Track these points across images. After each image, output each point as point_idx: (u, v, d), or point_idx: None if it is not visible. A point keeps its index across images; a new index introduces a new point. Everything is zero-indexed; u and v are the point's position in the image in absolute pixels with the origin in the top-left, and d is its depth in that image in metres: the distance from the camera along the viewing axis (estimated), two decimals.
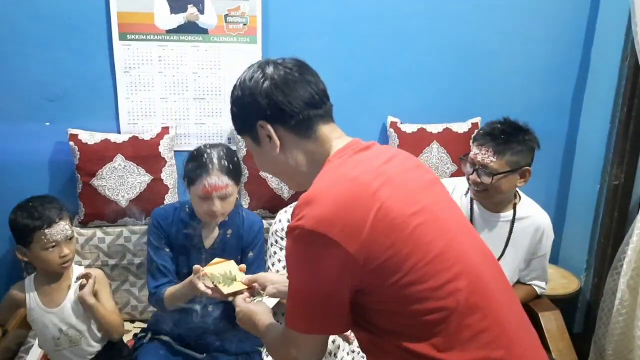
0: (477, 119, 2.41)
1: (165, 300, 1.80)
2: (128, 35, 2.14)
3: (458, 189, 2.01)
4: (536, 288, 2.05)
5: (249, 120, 1.10)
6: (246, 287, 1.52)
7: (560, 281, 2.45)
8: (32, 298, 1.77)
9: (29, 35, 2.07)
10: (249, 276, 1.54)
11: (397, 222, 0.96)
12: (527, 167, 1.80)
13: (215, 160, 1.76)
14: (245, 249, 1.96)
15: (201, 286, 1.59)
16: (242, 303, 1.37)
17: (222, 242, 1.92)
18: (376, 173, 1.01)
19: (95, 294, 1.79)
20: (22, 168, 2.18)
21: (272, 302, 1.46)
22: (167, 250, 1.88)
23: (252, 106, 1.08)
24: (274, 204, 2.27)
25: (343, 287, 0.97)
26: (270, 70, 1.09)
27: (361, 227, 0.93)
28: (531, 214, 1.94)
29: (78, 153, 2.10)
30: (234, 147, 2.28)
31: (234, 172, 1.79)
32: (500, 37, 2.44)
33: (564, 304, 2.22)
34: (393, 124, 2.37)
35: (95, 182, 2.12)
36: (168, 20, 2.15)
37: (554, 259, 2.72)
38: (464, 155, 1.90)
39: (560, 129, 2.62)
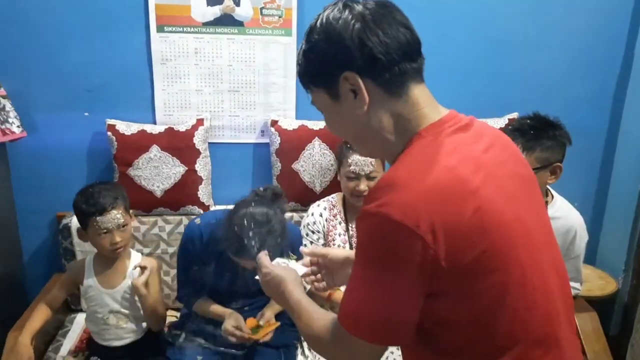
0: (514, 115, 2.36)
1: (194, 310, 1.90)
2: (165, 28, 2.17)
3: None
4: (570, 289, 2.00)
5: (332, 70, 0.89)
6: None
7: (597, 282, 2.40)
8: (90, 276, 1.82)
9: (71, 27, 2.11)
10: (315, 250, 1.31)
11: (493, 229, 0.82)
12: (558, 164, 1.74)
13: (252, 245, 1.53)
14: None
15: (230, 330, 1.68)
16: (270, 265, 1.17)
17: None
18: (476, 165, 0.85)
19: (146, 284, 1.82)
20: (62, 157, 2.24)
21: (301, 269, 1.26)
22: (195, 268, 1.86)
23: (339, 53, 0.87)
24: (306, 198, 2.28)
25: (419, 291, 0.83)
26: (360, 9, 0.88)
27: (455, 227, 0.79)
28: (564, 215, 1.88)
29: (115, 143, 2.14)
30: (267, 140, 2.29)
31: (274, 245, 1.57)
32: (539, 29, 2.38)
33: (601, 305, 2.17)
34: None
35: (131, 172, 2.16)
36: (205, 12, 2.17)
37: (591, 260, 2.65)
38: None
39: (600, 126, 2.54)
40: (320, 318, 0.97)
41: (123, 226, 1.75)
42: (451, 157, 0.84)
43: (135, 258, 1.87)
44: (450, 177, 0.82)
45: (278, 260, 1.31)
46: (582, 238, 1.91)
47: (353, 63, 0.87)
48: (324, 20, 0.90)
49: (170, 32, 2.18)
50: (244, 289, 1.88)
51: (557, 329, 0.89)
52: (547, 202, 1.88)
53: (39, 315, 1.79)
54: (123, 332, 1.83)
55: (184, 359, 1.78)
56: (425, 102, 0.91)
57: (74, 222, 2.14)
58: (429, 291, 0.83)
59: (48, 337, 2.03)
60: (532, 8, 2.35)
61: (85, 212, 1.71)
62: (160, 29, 2.17)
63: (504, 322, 0.84)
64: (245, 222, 1.54)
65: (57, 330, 2.10)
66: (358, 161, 1.93)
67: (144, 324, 1.87)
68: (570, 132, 2.47)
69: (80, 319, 2.15)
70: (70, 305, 2.22)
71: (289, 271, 1.14)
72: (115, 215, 1.72)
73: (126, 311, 1.82)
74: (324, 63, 0.91)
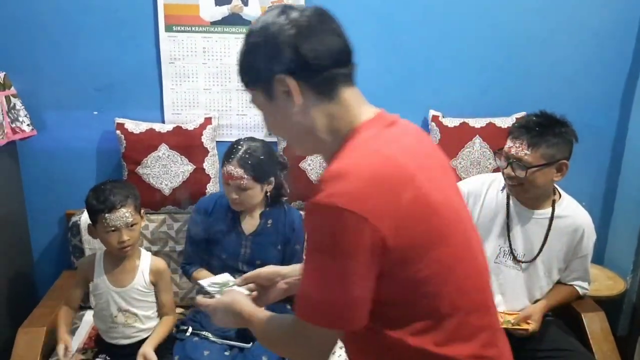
0: (522, 114, 2.35)
1: (192, 279, 2.04)
2: (174, 27, 2.18)
3: (495, 184, 1.95)
4: (578, 289, 1.99)
5: (267, 72, 0.94)
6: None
7: (605, 282, 2.38)
8: (100, 273, 1.83)
9: (80, 26, 2.13)
10: (246, 275, 1.32)
11: (430, 211, 0.90)
12: (564, 161, 1.74)
13: (239, 153, 1.87)
14: (285, 241, 2.03)
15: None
16: (205, 300, 1.20)
17: (262, 230, 2.01)
18: (410, 154, 0.94)
19: (155, 284, 1.86)
20: (71, 155, 2.26)
21: (244, 292, 1.27)
22: (199, 238, 2.02)
23: (274, 56, 0.92)
24: (311, 196, 2.28)
25: (372, 274, 0.88)
26: (295, 15, 0.93)
27: (397, 210, 0.85)
28: (571, 214, 1.87)
29: (124, 142, 2.15)
30: (274, 139, 2.30)
31: (253, 168, 1.86)
32: (549, 27, 2.36)
33: (609, 305, 2.16)
34: (435, 118, 2.34)
35: (140, 170, 2.18)
36: (213, 12, 2.18)
37: (599, 259, 2.64)
38: (498, 149, 1.86)
39: (609, 125, 2.53)
40: (276, 320, 1.03)
41: (132, 225, 1.76)
42: (389, 147, 0.92)
43: (145, 257, 1.88)
44: (390, 165, 0.89)
45: (224, 275, 1.43)
46: (590, 237, 1.90)
47: (286, 66, 0.92)
48: (262, 24, 0.95)
49: (179, 31, 2.19)
50: (248, 264, 1.97)
51: (488, 297, 1.02)
52: (554, 201, 1.87)
53: (64, 319, 1.82)
54: (131, 331, 1.84)
55: (191, 354, 1.79)
56: (357, 103, 0.99)
57: (83, 219, 2.17)
58: (379, 272, 0.89)
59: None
60: (542, 6, 2.34)
61: (95, 208, 1.73)
62: (168, 28, 2.18)
63: (447, 292, 0.93)
64: (240, 139, 1.95)
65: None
66: None
67: (153, 323, 1.88)
68: (578, 130, 2.45)
69: (89, 316, 2.16)
70: (80, 302, 2.23)
71: (229, 294, 1.19)
72: (124, 214, 1.73)
73: (135, 310, 1.83)
74: (259, 64, 0.95)
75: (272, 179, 1.97)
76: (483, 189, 1.95)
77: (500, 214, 1.90)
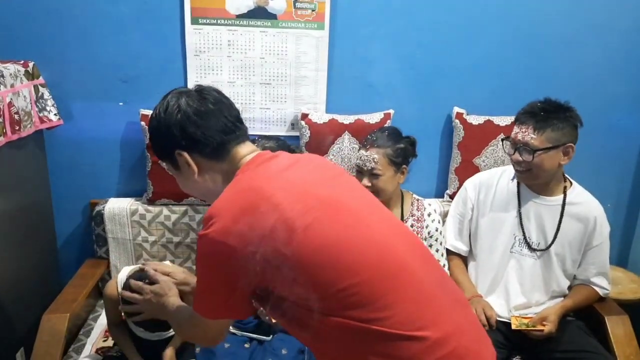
0: None
1: None
2: (200, 20, 2.19)
3: (506, 174, 2.00)
4: (598, 289, 1.97)
5: (167, 148, 1.16)
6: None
7: (629, 285, 2.35)
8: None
9: (107, 18, 2.15)
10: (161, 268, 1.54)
11: (293, 222, 1.01)
12: (570, 144, 1.79)
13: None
14: None
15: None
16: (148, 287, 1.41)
17: None
18: (274, 179, 1.09)
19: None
20: (96, 146, 2.28)
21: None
22: None
23: (168, 137, 1.14)
24: None
25: (243, 283, 1.05)
26: (183, 102, 1.14)
27: (260, 233, 1.00)
28: (583, 201, 1.91)
29: (148, 133, 2.17)
30: (297, 133, 2.30)
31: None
32: (576, 27, 2.33)
33: (633, 309, 2.12)
34: (459, 115, 2.32)
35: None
36: (239, 5, 2.18)
37: (623, 263, 2.60)
38: (505, 137, 1.89)
39: (636, 126, 2.48)
40: (186, 311, 1.27)
41: None
42: (252, 180, 1.09)
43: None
44: (249, 194, 1.05)
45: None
46: (603, 226, 1.92)
47: (179, 144, 1.14)
48: (158, 110, 1.17)
49: (205, 24, 2.20)
50: None
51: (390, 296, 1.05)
52: (565, 188, 1.90)
53: (121, 337, 1.81)
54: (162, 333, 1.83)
55: (212, 347, 1.80)
56: (244, 153, 1.17)
57: (107, 209, 2.20)
58: (259, 285, 1.06)
59: (80, 322, 2.08)
60: (570, 6, 2.31)
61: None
62: (194, 21, 2.19)
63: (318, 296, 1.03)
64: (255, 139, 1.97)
65: (88, 314, 2.16)
66: (362, 156, 1.96)
67: None
68: (604, 132, 2.44)
69: (102, 319, 2.17)
70: (102, 290, 2.27)
71: (166, 284, 1.41)
72: None
73: None
74: (160, 143, 1.19)
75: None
76: (494, 179, 2.01)
77: (512, 203, 1.94)
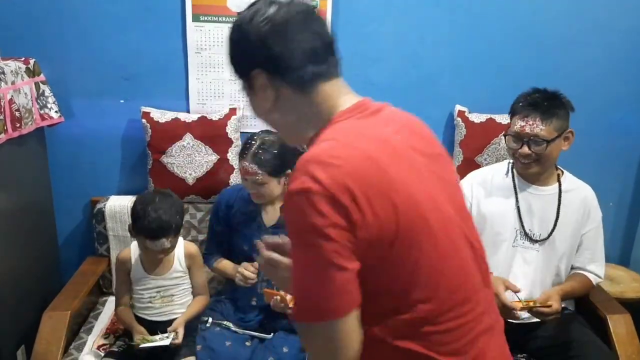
0: None
1: (213, 270, 2.06)
2: (201, 17, 2.18)
3: (499, 172, 1.99)
4: (591, 276, 1.95)
5: (245, 66, 0.98)
6: None
7: (630, 284, 2.34)
8: (136, 264, 1.88)
9: (109, 15, 2.15)
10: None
11: (403, 204, 0.87)
12: (570, 129, 1.84)
13: (253, 149, 1.85)
14: None
15: (242, 271, 1.86)
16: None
17: (282, 222, 1.99)
18: (386, 146, 0.92)
19: (190, 268, 1.93)
20: (98, 143, 2.28)
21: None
22: (220, 229, 2.03)
23: (249, 52, 0.96)
24: None
25: (349, 255, 0.86)
26: (272, 11, 0.94)
27: (370, 202, 0.84)
28: (576, 186, 1.94)
29: (150, 130, 2.17)
30: None
31: (267, 164, 1.84)
32: (578, 26, 2.32)
33: (635, 307, 2.11)
34: (461, 113, 2.32)
35: (164, 159, 2.19)
36: (240, 2, 2.17)
37: (625, 261, 2.60)
38: (507, 132, 1.89)
39: (639, 125, 2.47)
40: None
41: (168, 248, 1.80)
42: (362, 139, 0.90)
43: (179, 244, 1.91)
44: (362, 157, 0.87)
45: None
46: (597, 209, 1.95)
47: (261, 62, 0.95)
48: (242, 19, 0.97)
49: (206, 21, 2.20)
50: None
51: (471, 288, 0.98)
52: (558, 176, 1.93)
53: (127, 317, 1.86)
54: (167, 310, 1.89)
55: (213, 345, 1.80)
56: (337, 94, 0.98)
57: (108, 206, 2.19)
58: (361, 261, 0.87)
59: (80, 319, 2.08)
60: (572, 4, 2.30)
61: (138, 226, 1.77)
62: (195, 18, 2.19)
63: (419, 287, 0.91)
64: (255, 133, 1.93)
65: (89, 312, 2.15)
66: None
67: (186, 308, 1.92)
68: (607, 130, 2.44)
69: (111, 301, 2.19)
70: (102, 288, 2.27)
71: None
72: (164, 243, 1.76)
73: (173, 296, 1.89)
74: (238, 59, 1.00)
75: (289, 171, 1.95)
76: (488, 178, 2.00)
77: (509, 198, 1.94)
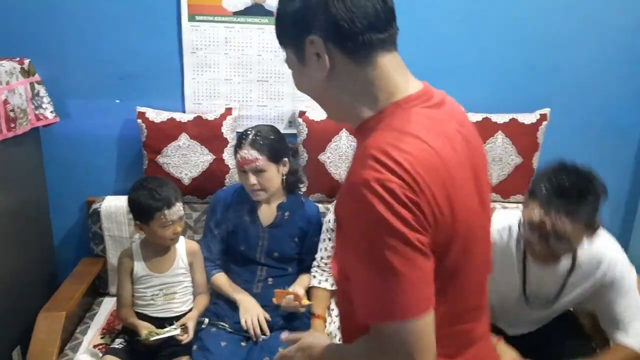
0: (546, 110, 2.31)
1: (211, 283, 2.01)
2: (197, 17, 2.18)
3: (513, 229, 1.67)
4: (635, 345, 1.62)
5: (298, 32, 0.89)
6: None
7: None
8: (139, 264, 1.89)
9: (104, 15, 2.14)
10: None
11: (458, 212, 0.85)
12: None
13: (250, 137, 1.89)
14: (302, 234, 2.05)
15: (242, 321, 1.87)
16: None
17: (279, 222, 2.01)
18: (451, 146, 0.87)
19: (191, 265, 1.95)
20: (93, 143, 2.27)
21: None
22: (218, 230, 2.02)
23: (304, 16, 0.87)
24: (332, 189, 2.28)
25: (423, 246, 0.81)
26: None
27: (434, 200, 0.81)
28: (595, 256, 1.62)
29: (145, 130, 2.16)
30: (294, 131, 2.30)
31: (266, 148, 1.87)
32: (575, 24, 2.31)
33: None
34: None
35: (160, 159, 2.19)
36: (236, 2, 2.17)
37: None
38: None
39: (634, 124, 2.47)
40: (355, 346, 0.93)
41: (182, 217, 1.85)
42: (432, 134, 0.85)
43: (180, 241, 1.94)
44: (433, 154, 0.82)
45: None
46: (621, 280, 1.65)
47: (317, 27, 0.86)
48: None
49: (201, 21, 2.19)
50: (266, 255, 2.00)
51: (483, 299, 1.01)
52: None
53: (130, 316, 1.86)
54: (168, 307, 1.90)
55: (209, 345, 1.80)
56: (396, 71, 0.91)
57: (104, 207, 2.19)
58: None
59: (76, 320, 2.08)
60: (566, 3, 2.29)
61: (152, 206, 1.79)
62: (191, 18, 2.18)
63: (457, 287, 0.92)
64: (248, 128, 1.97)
65: (85, 312, 2.15)
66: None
67: (189, 307, 1.93)
68: (602, 129, 2.43)
69: (107, 302, 2.19)
70: (99, 288, 2.26)
71: (312, 337, 1.14)
72: (179, 208, 1.83)
73: (175, 293, 1.90)
74: (291, 24, 0.90)
75: (286, 159, 1.96)
76: (508, 236, 1.68)
77: (516, 264, 1.67)
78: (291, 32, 0.91)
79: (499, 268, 1.51)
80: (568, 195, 1.43)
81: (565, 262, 1.61)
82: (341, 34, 0.86)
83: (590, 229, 1.46)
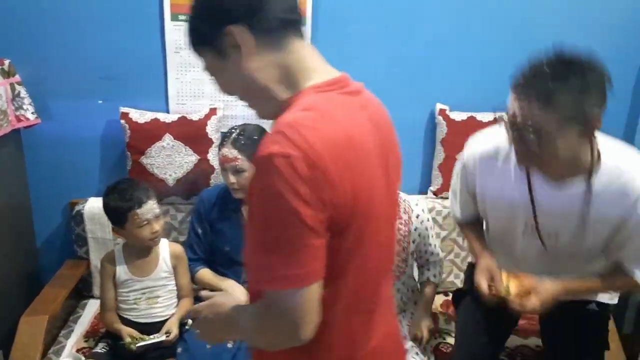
0: None
1: (195, 279, 2.02)
2: (179, 16, 2.16)
3: (502, 148, 1.47)
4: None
5: (215, 26, 0.89)
6: None
7: None
8: (121, 268, 1.88)
9: (86, 15, 2.12)
10: None
11: (360, 198, 0.87)
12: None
13: (233, 136, 1.89)
14: None
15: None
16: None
17: None
18: (362, 131, 0.90)
19: (175, 268, 1.93)
20: (76, 144, 2.25)
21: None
22: (202, 230, 2.03)
23: (221, 7, 0.90)
24: None
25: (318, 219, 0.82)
26: None
27: (338, 180, 0.82)
28: (615, 179, 1.37)
29: (129, 131, 2.14)
30: None
31: (247, 149, 1.86)
32: (561, 22, 2.32)
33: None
34: (442, 112, 2.32)
35: (144, 160, 2.17)
36: None
37: None
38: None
39: (618, 119, 2.50)
40: (249, 308, 0.99)
41: (158, 216, 1.83)
42: (341, 116, 0.87)
43: (163, 244, 1.93)
44: (341, 132, 0.85)
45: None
46: None
47: (232, 14, 0.88)
48: None
49: (185, 20, 2.15)
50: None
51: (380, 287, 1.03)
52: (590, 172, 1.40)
53: (115, 321, 1.85)
54: (151, 313, 1.89)
55: (193, 348, 1.78)
56: (312, 57, 0.94)
57: (87, 208, 2.17)
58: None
59: (60, 323, 2.05)
60: (556, 2, 2.30)
61: (123, 208, 1.77)
62: (174, 17, 2.16)
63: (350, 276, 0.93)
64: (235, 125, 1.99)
65: (68, 315, 2.12)
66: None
67: (171, 309, 1.92)
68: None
69: (91, 304, 2.17)
70: (82, 291, 2.24)
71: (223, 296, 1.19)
72: (153, 205, 1.80)
73: (158, 297, 1.89)
74: (208, 18, 0.92)
75: None
76: (499, 158, 1.50)
77: (522, 187, 1.46)
78: (208, 29, 0.91)
79: (505, 203, 1.47)
80: (541, 76, 1.25)
81: (578, 186, 1.38)
82: (257, 17, 0.88)
83: (575, 122, 1.24)
